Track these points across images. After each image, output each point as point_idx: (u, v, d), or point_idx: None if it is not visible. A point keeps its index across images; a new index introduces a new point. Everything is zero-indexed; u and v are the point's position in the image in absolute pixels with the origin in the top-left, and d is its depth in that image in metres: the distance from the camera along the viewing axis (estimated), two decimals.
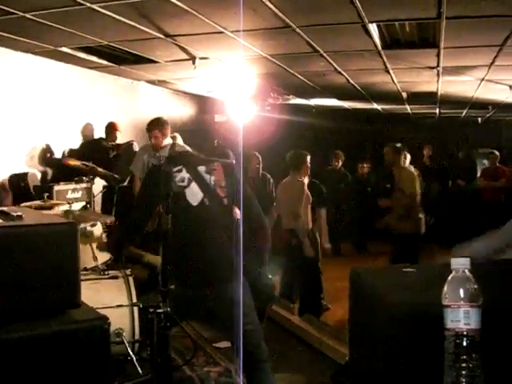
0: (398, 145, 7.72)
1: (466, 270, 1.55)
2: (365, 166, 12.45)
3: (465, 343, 1.51)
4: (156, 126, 6.75)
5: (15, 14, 5.61)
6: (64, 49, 7.43)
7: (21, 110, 7.66)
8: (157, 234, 2.77)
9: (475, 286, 1.53)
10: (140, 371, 4.46)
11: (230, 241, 3.39)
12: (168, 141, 6.76)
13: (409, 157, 8.80)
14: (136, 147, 8.59)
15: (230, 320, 3.32)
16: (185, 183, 3.46)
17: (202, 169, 3.51)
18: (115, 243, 4.12)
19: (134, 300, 4.76)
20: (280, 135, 12.21)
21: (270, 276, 3.65)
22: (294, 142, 13.16)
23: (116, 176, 7.71)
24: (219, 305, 3.40)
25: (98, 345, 2.18)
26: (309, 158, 6.83)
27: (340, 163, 11.34)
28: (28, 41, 6.94)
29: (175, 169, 3.47)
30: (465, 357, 1.51)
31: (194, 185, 3.46)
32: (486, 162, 13.05)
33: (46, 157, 8.31)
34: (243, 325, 3.37)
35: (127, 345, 4.51)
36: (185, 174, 3.48)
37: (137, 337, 4.71)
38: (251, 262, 3.56)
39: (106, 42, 7.06)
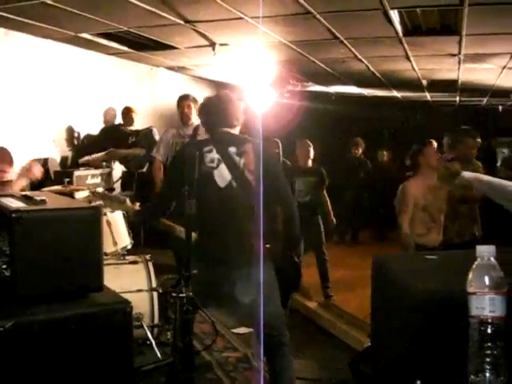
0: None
1: (491, 258, 1.55)
2: (385, 153, 12.40)
3: (489, 330, 1.50)
4: (189, 98, 6.69)
5: None
6: (84, 35, 7.45)
7: (40, 95, 7.70)
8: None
9: (500, 274, 1.53)
10: (159, 355, 4.50)
11: (254, 224, 3.39)
12: (196, 120, 6.68)
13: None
14: (155, 133, 8.59)
15: (251, 303, 3.34)
16: (214, 164, 3.47)
17: (232, 150, 3.51)
18: (143, 215, 4.15)
19: (154, 285, 4.80)
20: (299, 122, 12.18)
21: (296, 261, 3.65)
22: (313, 129, 13.14)
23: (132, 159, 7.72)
24: (241, 287, 3.40)
25: (121, 328, 2.20)
26: (430, 148, 5.74)
27: (360, 151, 11.30)
28: (48, 27, 6.96)
29: (205, 148, 3.50)
30: (489, 344, 1.50)
31: (223, 166, 3.47)
32: (505, 150, 12.95)
33: (72, 139, 8.37)
34: (265, 308, 3.38)
35: (146, 329, 4.55)
36: (215, 155, 3.49)
37: (156, 321, 4.76)
38: (279, 247, 3.57)
39: (126, 28, 7.07)
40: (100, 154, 7.11)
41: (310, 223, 6.91)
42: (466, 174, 3.14)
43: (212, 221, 3.49)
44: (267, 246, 3.54)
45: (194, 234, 3.43)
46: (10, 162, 5.09)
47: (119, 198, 4.39)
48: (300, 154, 7.32)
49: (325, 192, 7.29)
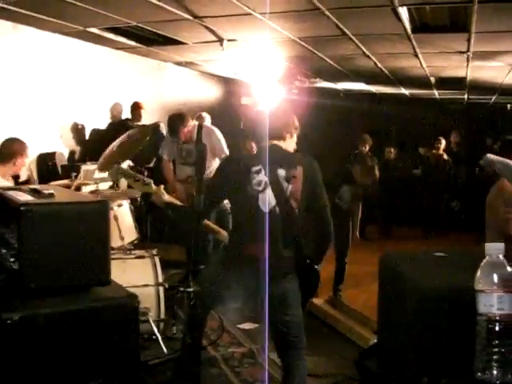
0: None
1: (500, 255, 1.54)
2: (392, 150, 12.37)
3: (497, 328, 1.50)
4: (181, 124, 6.66)
5: None
6: (92, 29, 7.44)
7: (49, 89, 7.71)
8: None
9: (509, 271, 1.52)
10: (165, 350, 4.51)
11: (289, 249, 3.39)
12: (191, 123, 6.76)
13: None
14: (163, 128, 8.61)
15: (276, 312, 3.36)
16: (260, 188, 3.35)
17: (281, 174, 3.37)
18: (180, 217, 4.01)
19: (160, 279, 4.81)
20: (306, 119, 12.16)
21: (316, 267, 3.63)
22: (321, 125, 13.13)
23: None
24: (269, 298, 3.39)
25: (128, 322, 2.20)
26: None
27: (367, 148, 11.23)
28: (56, 21, 6.96)
29: (254, 168, 3.36)
30: (497, 342, 1.50)
31: (269, 191, 3.34)
32: None
33: (79, 135, 8.38)
34: (289, 316, 3.40)
35: (153, 324, 4.56)
36: (263, 177, 3.35)
37: (162, 316, 4.78)
38: (306, 256, 3.53)
39: (134, 23, 7.06)
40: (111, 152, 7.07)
41: (341, 228, 6.64)
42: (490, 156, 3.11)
43: (250, 242, 3.40)
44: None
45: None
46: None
47: (144, 179, 4.23)
48: (359, 173, 7.11)
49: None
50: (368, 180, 7.05)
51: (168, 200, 3.92)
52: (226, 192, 3.48)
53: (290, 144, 3.59)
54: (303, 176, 3.41)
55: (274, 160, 3.40)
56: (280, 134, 3.52)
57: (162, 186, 3.98)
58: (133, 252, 5.03)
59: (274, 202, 3.36)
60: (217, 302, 3.54)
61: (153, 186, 4.05)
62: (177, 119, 6.72)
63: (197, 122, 6.88)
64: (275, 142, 3.50)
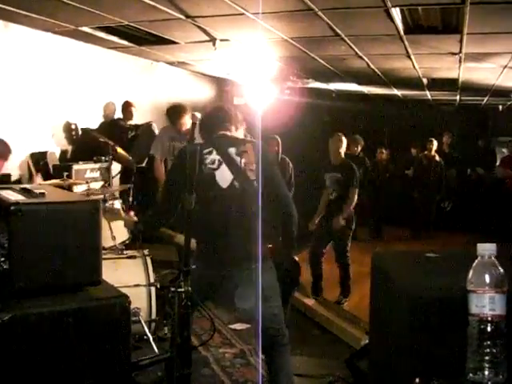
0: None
1: (492, 256, 1.55)
2: (383, 151, 12.39)
3: (489, 329, 1.50)
4: (185, 112, 6.66)
5: None
6: (84, 28, 7.42)
7: (40, 89, 7.68)
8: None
9: (501, 272, 1.53)
10: (156, 350, 4.50)
11: (256, 223, 3.39)
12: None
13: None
14: (155, 128, 8.59)
15: (252, 303, 3.34)
16: (215, 165, 3.45)
17: (232, 151, 3.48)
18: (146, 225, 4.03)
19: (152, 280, 4.80)
20: (299, 119, 12.17)
21: (296, 259, 3.65)
22: (313, 126, 13.14)
23: (131, 160, 7.65)
24: (243, 288, 3.40)
25: (119, 322, 2.20)
26: None
27: (359, 148, 11.25)
28: (48, 20, 6.93)
29: (206, 150, 3.48)
30: (488, 342, 1.50)
31: (224, 167, 3.45)
32: (505, 150, 12.93)
33: (72, 135, 8.36)
34: (266, 308, 3.38)
35: (144, 324, 4.55)
36: (215, 156, 3.47)
37: (153, 316, 4.77)
38: (279, 245, 3.56)
39: (127, 22, 7.04)
40: (105, 140, 7.00)
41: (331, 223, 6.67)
42: None
43: (215, 222, 3.46)
44: (269, 245, 3.55)
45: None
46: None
47: (113, 210, 4.38)
48: (330, 150, 6.95)
49: (355, 192, 6.73)
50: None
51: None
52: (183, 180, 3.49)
53: (237, 135, 3.73)
54: (253, 151, 3.50)
55: (223, 142, 3.57)
56: (226, 127, 3.67)
57: (133, 213, 4.10)
58: (124, 252, 5.02)
59: (231, 177, 3.46)
60: (203, 298, 3.54)
61: (122, 213, 4.15)
62: (177, 109, 6.72)
63: (191, 121, 6.83)
64: (222, 132, 3.65)
